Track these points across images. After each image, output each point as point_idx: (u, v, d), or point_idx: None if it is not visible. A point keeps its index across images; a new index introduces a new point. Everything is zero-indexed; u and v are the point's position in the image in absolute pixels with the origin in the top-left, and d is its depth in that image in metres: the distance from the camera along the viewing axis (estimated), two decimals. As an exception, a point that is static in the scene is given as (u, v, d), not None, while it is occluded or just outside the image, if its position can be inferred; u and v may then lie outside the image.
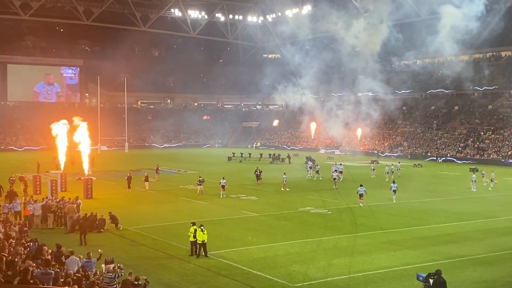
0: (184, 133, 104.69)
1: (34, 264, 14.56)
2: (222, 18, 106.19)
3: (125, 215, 28.87)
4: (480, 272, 19.57)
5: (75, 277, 14.27)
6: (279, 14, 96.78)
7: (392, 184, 36.33)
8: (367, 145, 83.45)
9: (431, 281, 15.07)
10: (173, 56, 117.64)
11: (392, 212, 31.62)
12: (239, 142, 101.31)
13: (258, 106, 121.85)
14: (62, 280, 13.85)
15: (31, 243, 18.56)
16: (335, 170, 44.70)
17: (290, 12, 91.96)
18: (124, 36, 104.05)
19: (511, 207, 33.86)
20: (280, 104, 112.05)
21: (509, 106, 77.07)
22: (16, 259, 14.98)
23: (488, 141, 70.68)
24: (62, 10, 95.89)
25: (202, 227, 21.38)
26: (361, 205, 33.13)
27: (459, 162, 68.32)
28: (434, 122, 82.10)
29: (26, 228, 22.29)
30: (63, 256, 17.00)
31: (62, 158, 42.05)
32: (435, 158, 71.91)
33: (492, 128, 73.24)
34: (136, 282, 14.74)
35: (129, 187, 40.14)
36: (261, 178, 44.25)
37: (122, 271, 15.69)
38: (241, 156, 67.97)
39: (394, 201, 35.08)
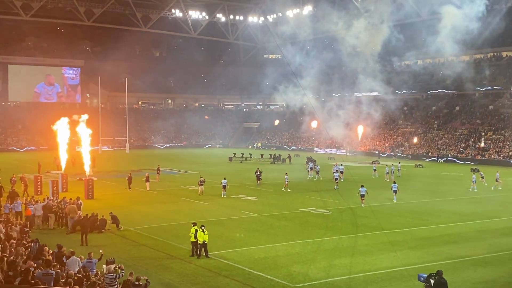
0: (184, 134, 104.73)
1: (35, 265, 14.56)
2: (223, 19, 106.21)
3: (126, 215, 28.88)
4: (480, 272, 19.56)
5: (76, 278, 14.27)
6: (280, 14, 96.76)
7: (392, 185, 36.35)
8: (368, 145, 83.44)
9: (432, 281, 15.07)
10: (174, 56, 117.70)
11: (393, 213, 31.61)
12: (240, 142, 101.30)
13: (259, 107, 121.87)
14: (63, 280, 13.85)
15: (32, 244, 18.57)
16: (336, 171, 44.72)
17: (291, 13, 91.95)
18: (125, 36, 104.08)
19: (511, 208, 33.84)
20: (280, 105, 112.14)
21: (510, 106, 77.01)
22: (17, 260, 14.99)
23: (489, 142, 70.65)
24: (63, 11, 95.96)
25: (203, 228, 21.38)
26: (363, 205, 33.14)
27: (460, 162, 68.31)
28: (435, 122, 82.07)
29: (27, 229, 22.30)
30: (64, 257, 17.00)
31: (63, 158, 42.05)
32: (436, 159, 71.90)
33: (493, 128, 73.21)
34: (137, 283, 14.75)
35: (129, 187, 40.18)
36: (261, 179, 44.27)
37: (123, 271, 15.70)
38: (242, 157, 67.98)
39: (395, 201, 35.09)
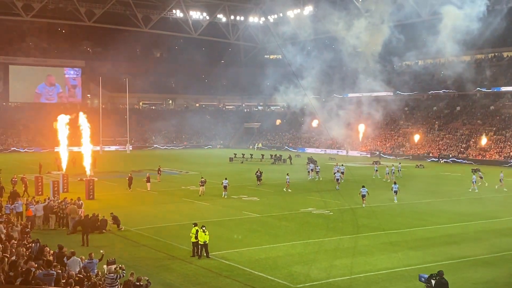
0: (185, 134, 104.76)
1: (36, 265, 14.56)
2: (224, 19, 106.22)
3: (127, 216, 28.88)
4: (481, 273, 19.55)
5: (77, 278, 14.27)
6: (281, 14, 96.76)
7: (393, 185, 36.36)
8: (369, 146, 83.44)
9: (433, 282, 15.07)
10: (174, 57, 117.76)
11: (393, 213, 31.61)
12: (241, 143, 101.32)
13: (259, 107, 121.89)
14: (64, 281, 13.84)
15: (33, 244, 18.57)
16: (337, 171, 44.70)
17: (291, 13, 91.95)
18: (125, 37, 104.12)
19: (513, 208, 33.85)
20: (281, 105, 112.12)
21: (511, 107, 76.94)
22: (18, 260, 14.98)
23: (490, 142, 70.59)
24: (63, 11, 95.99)
25: (203, 228, 21.38)
26: (364, 205, 33.15)
27: (461, 163, 68.27)
28: (436, 122, 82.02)
29: (28, 229, 22.30)
30: (65, 257, 17.00)
31: (64, 158, 42.07)
32: (437, 159, 71.87)
33: (494, 129, 73.15)
34: (138, 283, 14.75)
35: (129, 187, 40.16)
36: (261, 179, 44.24)
37: (124, 272, 15.71)
38: (243, 157, 67.98)
39: (396, 202, 35.08)
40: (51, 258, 16.29)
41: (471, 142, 72.82)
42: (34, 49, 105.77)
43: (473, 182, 41.50)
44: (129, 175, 41.32)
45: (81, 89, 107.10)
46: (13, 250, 16.42)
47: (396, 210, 32.72)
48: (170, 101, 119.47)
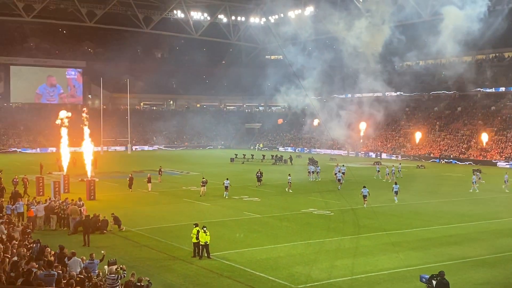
0: (186, 135, 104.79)
1: (37, 266, 14.57)
2: (225, 20, 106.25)
3: (128, 216, 28.91)
4: (482, 273, 19.53)
5: (78, 279, 14.28)
6: (282, 15, 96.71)
7: (394, 185, 36.34)
8: (370, 146, 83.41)
9: (434, 282, 15.05)
10: (175, 57, 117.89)
11: (394, 214, 31.59)
12: (242, 143, 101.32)
13: (260, 108, 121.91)
14: (65, 281, 13.86)
15: (34, 245, 18.58)
16: (339, 171, 44.64)
17: (292, 13, 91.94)
18: (126, 37, 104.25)
19: (514, 208, 33.82)
20: (282, 106, 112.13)
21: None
22: (19, 261, 15.00)
23: (491, 142, 70.53)
24: (65, 12, 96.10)
25: (204, 229, 21.37)
26: (365, 206, 33.14)
27: (462, 163, 68.24)
28: (437, 123, 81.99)
29: (29, 230, 22.31)
30: (66, 258, 17.01)
31: (65, 159, 42.04)
32: (438, 160, 71.83)
33: (495, 129, 73.10)
34: (139, 284, 14.75)
35: (130, 188, 40.16)
36: (261, 180, 44.18)
37: (125, 272, 15.71)
38: (244, 158, 67.99)
39: (396, 202, 35.06)
40: (52, 258, 16.31)
41: (472, 143, 72.76)
42: (35, 50, 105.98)
43: (473, 182, 41.52)
44: (130, 175, 41.33)
45: (82, 90, 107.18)
46: (14, 250, 16.44)
47: (397, 210, 32.69)
48: (171, 102, 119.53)
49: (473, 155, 69.96)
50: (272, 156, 67.88)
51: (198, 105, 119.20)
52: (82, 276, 14.82)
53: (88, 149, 40.24)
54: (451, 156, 71.51)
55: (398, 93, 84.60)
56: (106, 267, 16.68)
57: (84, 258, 17.05)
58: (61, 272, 14.49)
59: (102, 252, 18.41)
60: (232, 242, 24.09)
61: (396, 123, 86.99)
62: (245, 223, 28.81)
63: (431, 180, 50.10)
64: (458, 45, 54.64)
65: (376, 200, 35.34)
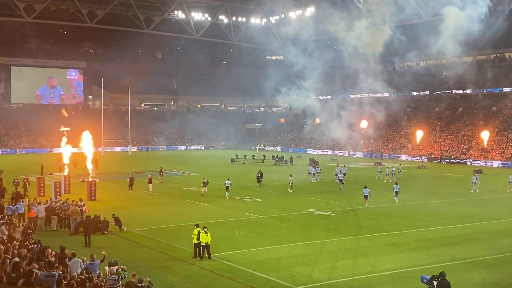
0: (187, 135, 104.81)
1: (38, 266, 14.57)
2: (225, 20, 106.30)
3: (129, 217, 28.90)
4: (483, 274, 19.51)
5: (78, 279, 14.28)
6: (282, 16, 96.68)
7: (394, 186, 36.33)
8: (370, 146, 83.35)
9: (435, 283, 15.03)
10: (176, 58, 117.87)
11: (395, 214, 31.56)
12: (243, 144, 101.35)
13: (261, 108, 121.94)
14: (66, 282, 13.85)
15: (35, 245, 18.58)
16: (340, 172, 44.61)
17: (293, 14, 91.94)
18: (127, 38, 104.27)
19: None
20: (283, 106, 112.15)
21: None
22: (20, 261, 14.99)
23: (492, 143, 70.48)
24: (65, 13, 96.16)
25: (205, 229, 21.36)
26: (366, 206, 33.12)
27: (463, 163, 68.16)
28: (438, 123, 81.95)
29: (30, 230, 22.30)
30: (67, 258, 17.01)
31: (66, 159, 42.09)
32: (439, 160, 71.78)
33: (496, 129, 73.05)
34: (140, 284, 14.75)
35: (131, 188, 40.17)
36: (261, 181, 44.13)
37: (126, 273, 15.70)
38: (245, 158, 68.01)
39: (396, 203, 35.04)
40: (53, 259, 16.29)
41: (473, 143, 72.71)
42: (36, 50, 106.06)
43: (473, 183, 41.51)
44: (131, 176, 41.36)
45: (83, 91, 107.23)
46: (15, 251, 16.43)
47: (397, 211, 32.66)
48: (172, 102, 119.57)
49: (474, 156, 69.88)
50: (273, 156, 67.92)
51: (199, 106, 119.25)
52: (83, 277, 14.82)
53: (88, 150, 40.28)
54: (452, 156, 71.42)
55: (398, 93, 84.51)
56: (107, 267, 16.66)
57: (85, 258, 17.04)
58: (62, 272, 14.48)
59: (103, 252, 18.40)
60: (233, 243, 24.07)
61: (397, 123, 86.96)
62: (246, 223, 28.80)
63: (432, 180, 50.02)
64: (459, 45, 54.54)
65: (377, 201, 35.33)
